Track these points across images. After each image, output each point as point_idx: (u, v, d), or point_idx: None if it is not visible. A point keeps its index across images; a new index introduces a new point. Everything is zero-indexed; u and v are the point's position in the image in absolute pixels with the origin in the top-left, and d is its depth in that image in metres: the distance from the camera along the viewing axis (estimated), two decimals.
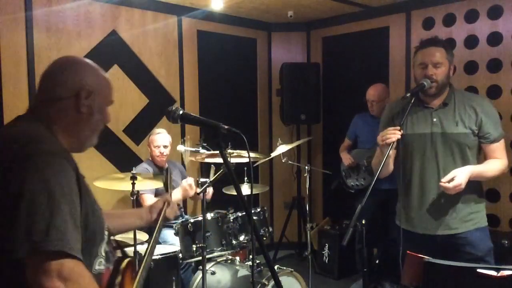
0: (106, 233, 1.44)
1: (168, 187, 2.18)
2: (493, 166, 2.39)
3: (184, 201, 4.37)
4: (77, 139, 1.41)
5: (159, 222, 1.82)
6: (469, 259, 2.34)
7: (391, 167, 2.51)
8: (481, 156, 2.47)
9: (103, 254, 1.39)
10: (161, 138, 3.74)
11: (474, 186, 2.38)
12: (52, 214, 1.15)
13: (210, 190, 3.46)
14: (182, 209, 3.95)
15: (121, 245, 1.61)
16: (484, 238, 2.43)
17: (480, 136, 2.38)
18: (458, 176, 2.23)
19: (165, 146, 3.74)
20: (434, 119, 2.40)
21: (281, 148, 3.77)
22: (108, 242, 1.44)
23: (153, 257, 3.03)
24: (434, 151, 2.40)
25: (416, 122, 2.44)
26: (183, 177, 4.03)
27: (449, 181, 2.23)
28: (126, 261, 1.51)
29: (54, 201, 1.16)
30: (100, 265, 1.37)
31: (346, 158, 4.28)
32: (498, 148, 2.40)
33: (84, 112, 1.38)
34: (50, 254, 1.13)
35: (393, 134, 2.25)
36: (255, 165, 4.38)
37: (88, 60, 1.46)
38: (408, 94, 2.33)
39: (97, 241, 1.36)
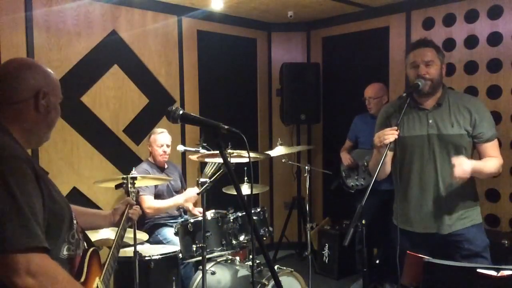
0: (75, 222, 1.54)
1: (129, 192, 2.41)
2: (490, 163, 2.42)
3: None
4: (36, 137, 1.53)
5: (121, 222, 1.98)
6: (468, 255, 2.40)
7: (388, 168, 2.53)
8: (475, 157, 2.49)
9: (72, 240, 1.49)
10: (163, 137, 3.77)
11: (469, 185, 2.44)
12: (16, 217, 1.26)
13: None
14: (182, 209, 3.95)
15: (87, 235, 1.73)
16: (480, 234, 2.48)
17: (474, 136, 2.42)
18: (466, 163, 2.25)
19: (167, 145, 3.77)
20: (430, 121, 2.42)
21: (279, 149, 3.77)
22: (77, 230, 1.55)
23: (153, 257, 3.05)
24: (432, 153, 2.42)
25: (412, 124, 2.46)
26: (181, 179, 4.05)
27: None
28: (91, 250, 1.63)
29: (17, 205, 1.27)
30: (68, 250, 1.47)
31: (346, 159, 4.28)
32: (492, 147, 2.44)
33: (42, 111, 1.49)
34: (16, 253, 1.23)
35: (391, 135, 2.26)
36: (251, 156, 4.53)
37: (36, 62, 1.55)
38: (404, 94, 2.36)
39: (64, 229, 1.45)
